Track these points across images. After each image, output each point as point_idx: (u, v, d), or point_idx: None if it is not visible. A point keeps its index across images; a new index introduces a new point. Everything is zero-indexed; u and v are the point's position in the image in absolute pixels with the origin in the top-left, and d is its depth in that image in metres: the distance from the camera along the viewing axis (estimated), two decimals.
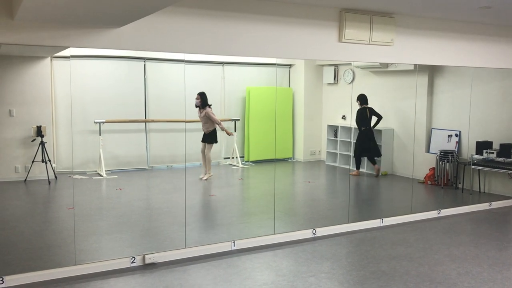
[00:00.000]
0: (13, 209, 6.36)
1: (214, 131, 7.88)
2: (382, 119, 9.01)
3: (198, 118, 8.98)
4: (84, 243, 4.95)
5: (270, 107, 9.51)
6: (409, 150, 8.43)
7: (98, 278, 4.17)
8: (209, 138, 7.88)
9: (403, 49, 5.68)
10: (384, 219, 5.92)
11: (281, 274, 4.28)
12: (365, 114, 8.41)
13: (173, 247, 4.82)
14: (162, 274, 4.27)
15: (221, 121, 9.39)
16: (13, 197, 6.97)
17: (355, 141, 8.64)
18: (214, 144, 9.37)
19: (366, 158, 8.62)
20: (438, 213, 6.38)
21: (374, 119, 8.27)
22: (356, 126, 8.43)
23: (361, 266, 4.50)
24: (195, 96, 7.69)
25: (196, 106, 7.74)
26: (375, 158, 8.42)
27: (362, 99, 8.38)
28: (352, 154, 8.70)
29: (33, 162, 7.42)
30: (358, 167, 8.45)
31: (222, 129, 7.91)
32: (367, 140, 8.40)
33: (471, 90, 7.56)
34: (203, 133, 7.94)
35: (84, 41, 4.09)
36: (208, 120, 7.75)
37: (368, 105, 8.29)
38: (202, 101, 7.70)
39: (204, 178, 7.83)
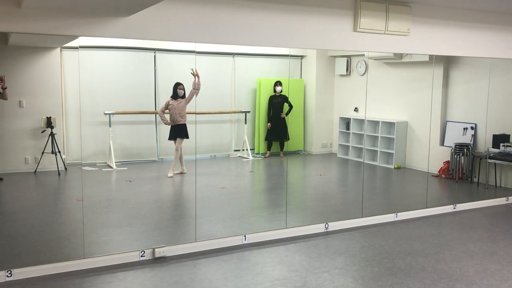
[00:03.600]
0: (23, 200, 6.33)
1: (185, 125, 7.53)
2: (392, 111, 8.89)
3: (210, 110, 8.89)
4: (93, 235, 4.89)
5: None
6: (423, 143, 8.27)
7: (107, 271, 4.10)
8: (183, 132, 7.51)
9: (420, 39, 5.51)
10: (398, 213, 5.79)
11: (293, 269, 4.18)
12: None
13: (183, 240, 4.74)
14: (172, 268, 4.19)
15: (230, 112, 9.32)
16: (23, 188, 6.94)
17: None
18: (223, 137, 9.32)
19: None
20: (454, 208, 6.23)
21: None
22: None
23: (375, 262, 4.38)
24: (179, 86, 7.47)
25: (177, 96, 7.48)
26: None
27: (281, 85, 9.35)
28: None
29: (43, 153, 7.38)
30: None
31: (197, 82, 7.11)
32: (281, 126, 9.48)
33: (489, 81, 7.36)
34: (170, 129, 7.58)
35: (92, 30, 3.99)
36: (183, 109, 7.45)
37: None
38: (185, 91, 7.47)
39: (177, 172, 7.61)
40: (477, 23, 5.87)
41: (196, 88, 7.13)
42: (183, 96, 7.48)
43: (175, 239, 4.83)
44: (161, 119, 7.64)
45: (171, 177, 7.49)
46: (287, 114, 9.35)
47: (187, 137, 7.54)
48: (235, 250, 4.65)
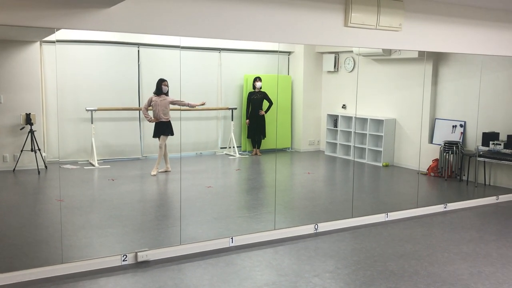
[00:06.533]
0: (0, 201, 6.06)
1: (170, 122, 7.40)
2: (381, 108, 8.78)
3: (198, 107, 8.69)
4: (72, 238, 4.67)
5: (269, 96, 9.22)
6: (412, 140, 8.18)
7: (87, 277, 3.88)
8: (168, 129, 7.35)
9: (412, 35, 5.37)
10: (389, 213, 5.66)
11: (282, 274, 4.02)
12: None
13: (168, 243, 4.54)
14: (156, 274, 3.99)
15: (216, 109, 9.12)
16: (0, 188, 6.67)
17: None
18: (209, 134, 9.13)
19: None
20: (445, 207, 6.13)
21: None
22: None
23: (367, 265, 4.24)
24: (163, 82, 7.31)
25: (160, 93, 7.30)
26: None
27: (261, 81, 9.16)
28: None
29: (22, 151, 7.12)
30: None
31: (194, 105, 7.51)
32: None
33: (480, 79, 7.26)
34: (155, 126, 7.43)
35: (71, 22, 3.77)
36: (168, 106, 7.32)
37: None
38: (169, 86, 7.32)
39: (161, 170, 7.44)
40: (470, 19, 5.76)
41: (190, 107, 7.32)
42: (167, 93, 7.29)
43: (158, 242, 4.63)
44: (145, 116, 7.43)
45: (155, 175, 7.28)
46: (266, 111, 9.17)
47: (172, 134, 7.34)
48: (222, 253, 4.46)
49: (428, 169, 7.91)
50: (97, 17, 3.82)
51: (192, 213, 5.57)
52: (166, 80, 7.31)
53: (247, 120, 9.21)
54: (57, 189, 6.49)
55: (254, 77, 9.13)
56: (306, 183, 7.62)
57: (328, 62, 9.78)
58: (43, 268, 3.92)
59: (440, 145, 7.81)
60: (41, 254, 4.34)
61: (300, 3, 4.66)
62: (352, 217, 5.46)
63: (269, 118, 9.29)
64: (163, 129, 7.35)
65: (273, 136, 9.33)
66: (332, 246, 4.70)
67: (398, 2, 5.13)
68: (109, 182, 7.00)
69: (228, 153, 9.06)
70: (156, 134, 7.44)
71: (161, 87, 7.26)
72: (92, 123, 7.72)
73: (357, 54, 8.82)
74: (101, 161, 7.78)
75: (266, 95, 9.17)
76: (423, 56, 7.49)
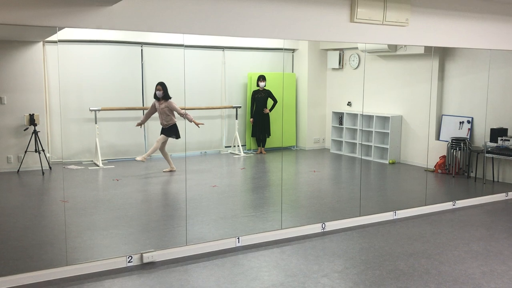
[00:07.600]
0: (4, 202, 6.03)
1: (175, 125, 7.30)
2: (387, 105, 8.67)
3: (200, 106, 8.62)
4: (77, 240, 4.61)
5: (274, 93, 9.15)
6: (418, 137, 8.08)
7: (92, 279, 3.83)
8: (172, 131, 7.26)
9: (419, 30, 5.29)
10: (397, 211, 5.58)
11: (290, 274, 3.95)
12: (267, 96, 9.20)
13: (173, 244, 4.48)
14: (161, 275, 3.93)
15: (220, 108, 9.05)
16: (4, 189, 6.63)
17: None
18: (213, 133, 9.05)
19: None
20: (453, 205, 6.04)
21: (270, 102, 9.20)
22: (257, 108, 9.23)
23: (376, 264, 4.16)
24: (156, 86, 7.19)
25: (157, 98, 7.21)
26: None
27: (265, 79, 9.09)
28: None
29: (26, 152, 7.09)
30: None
31: (191, 120, 7.17)
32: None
33: (489, 74, 7.16)
34: (161, 130, 7.38)
35: (73, 21, 3.71)
36: (170, 112, 7.21)
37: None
38: (164, 92, 7.16)
39: (166, 170, 7.39)
40: (477, 14, 5.66)
41: (188, 119, 7.12)
42: (164, 97, 7.17)
43: (164, 243, 4.57)
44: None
45: (141, 161, 7.23)
46: (270, 109, 9.10)
47: (178, 137, 7.26)
48: (228, 253, 4.40)
49: (435, 166, 7.82)
50: (99, 15, 3.76)
51: (197, 213, 5.51)
52: (159, 84, 7.17)
53: (252, 119, 9.15)
54: (61, 190, 6.45)
55: (258, 76, 9.06)
56: (312, 182, 7.54)
57: (333, 59, 9.69)
58: (47, 270, 3.87)
59: (447, 141, 7.72)
60: (46, 256, 4.29)
61: None
62: (360, 216, 5.38)
63: (274, 116, 9.22)
64: (167, 132, 7.29)
65: (278, 135, 9.27)
66: (340, 245, 4.62)
67: None
68: (114, 182, 6.95)
69: (232, 152, 9.00)
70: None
71: (155, 92, 7.20)
72: (96, 123, 7.68)
73: (362, 51, 8.72)
74: (106, 161, 7.74)
75: (271, 93, 9.11)
76: (429, 51, 7.40)
